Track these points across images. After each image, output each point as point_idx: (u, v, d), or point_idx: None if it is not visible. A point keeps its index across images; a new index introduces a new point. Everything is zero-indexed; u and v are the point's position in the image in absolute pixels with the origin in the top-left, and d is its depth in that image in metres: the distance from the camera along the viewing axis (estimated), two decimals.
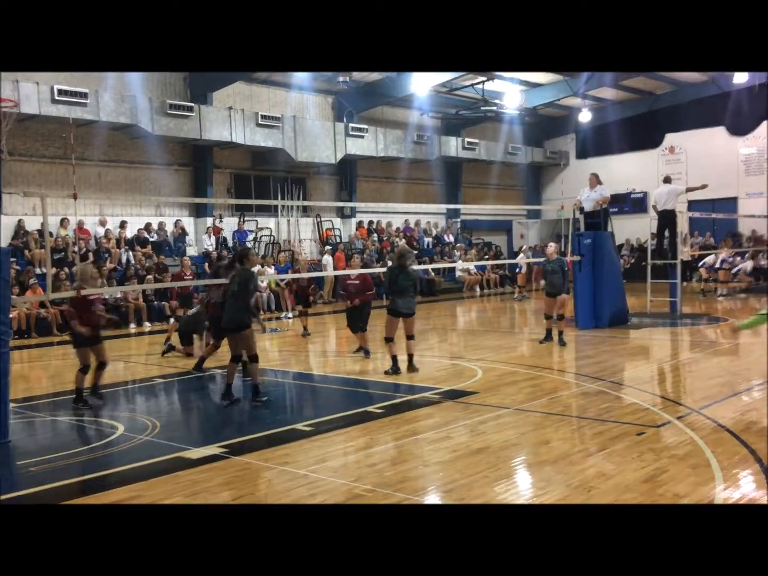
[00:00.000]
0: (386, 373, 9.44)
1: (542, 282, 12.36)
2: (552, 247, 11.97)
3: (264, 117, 20.31)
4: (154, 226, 19.33)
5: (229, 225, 20.94)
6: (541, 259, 20.70)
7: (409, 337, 9.51)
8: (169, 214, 20.15)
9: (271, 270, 18.44)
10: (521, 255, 22.27)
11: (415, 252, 23.65)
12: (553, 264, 11.66)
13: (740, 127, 25.78)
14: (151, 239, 18.94)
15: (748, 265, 22.48)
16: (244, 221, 21.20)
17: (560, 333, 11.68)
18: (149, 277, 16.28)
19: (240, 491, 5.19)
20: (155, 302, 16.69)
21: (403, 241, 23.94)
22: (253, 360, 8.01)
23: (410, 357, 9.54)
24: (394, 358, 9.45)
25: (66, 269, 15.59)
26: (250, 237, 21.18)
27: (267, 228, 21.72)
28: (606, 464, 5.48)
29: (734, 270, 21.21)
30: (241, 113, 20.00)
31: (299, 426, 6.94)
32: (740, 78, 23.53)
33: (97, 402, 8.20)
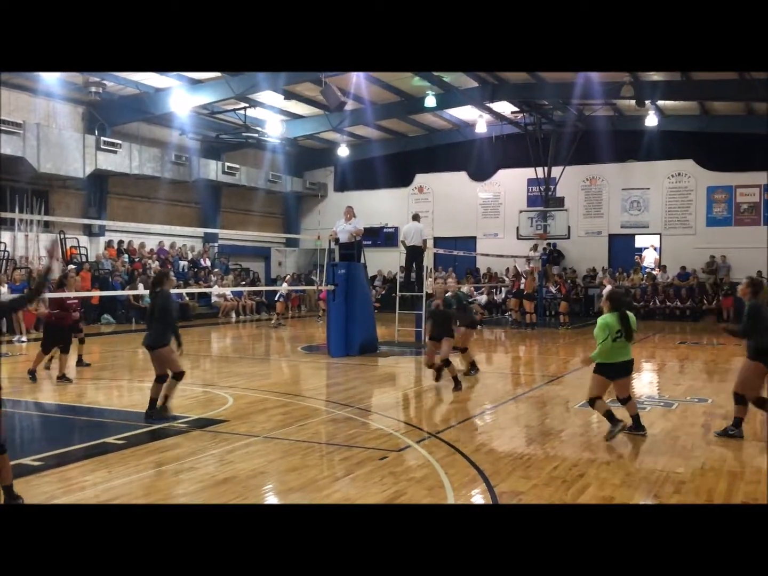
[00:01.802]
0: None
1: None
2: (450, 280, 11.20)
3: (3, 122, 18.52)
4: None
5: None
6: (298, 287, 20.93)
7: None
8: None
9: (4, 289, 16.74)
10: (284, 283, 22.51)
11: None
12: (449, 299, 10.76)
13: (480, 173, 28.38)
14: None
15: (483, 298, 24.62)
16: None
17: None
18: None
19: None
20: None
21: (157, 263, 23.06)
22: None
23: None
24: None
25: None
26: None
27: (1, 242, 19.76)
28: (350, 489, 5.64)
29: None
30: None
31: (27, 461, 6.33)
32: (481, 128, 25.95)
33: None
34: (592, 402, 7.26)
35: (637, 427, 7.37)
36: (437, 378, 10.62)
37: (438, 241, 25.14)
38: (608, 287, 20.21)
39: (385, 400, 9.90)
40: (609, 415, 7.10)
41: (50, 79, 19.24)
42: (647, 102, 22.68)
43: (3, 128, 18.46)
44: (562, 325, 20.51)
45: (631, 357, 7.37)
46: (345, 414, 8.56)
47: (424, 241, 16.12)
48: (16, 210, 19.97)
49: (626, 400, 7.36)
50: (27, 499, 5.32)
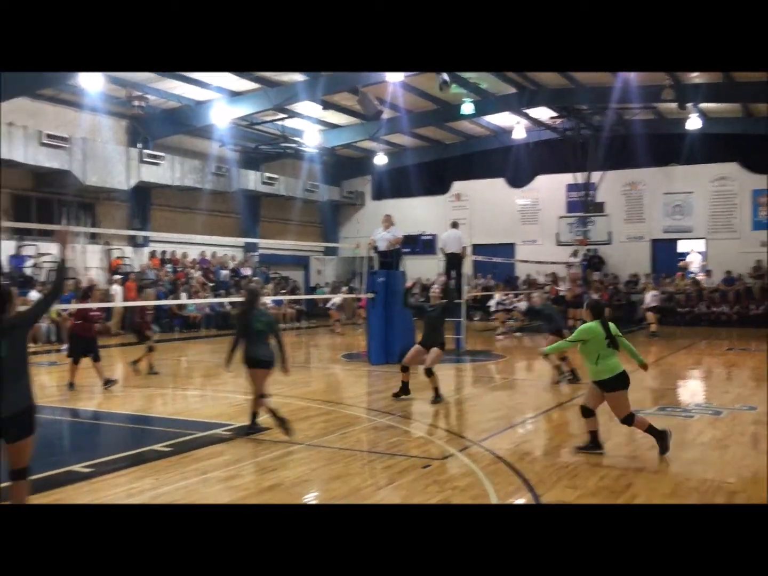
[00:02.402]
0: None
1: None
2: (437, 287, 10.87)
3: (49, 136, 19.00)
4: None
5: (5, 249, 19.23)
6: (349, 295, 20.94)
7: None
8: None
9: None
10: (341, 294, 22.58)
11: (212, 285, 23.21)
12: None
13: (518, 180, 28.23)
14: None
15: (522, 305, 24.40)
16: (22, 246, 19.58)
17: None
18: None
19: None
20: None
21: (200, 272, 23.39)
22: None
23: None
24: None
25: None
26: (29, 263, 19.60)
27: (49, 254, 20.22)
28: (394, 497, 5.64)
29: (510, 308, 22.91)
30: (23, 130, 18.57)
31: (77, 467, 6.46)
32: (519, 134, 25.83)
33: None
34: (585, 412, 6.90)
35: (661, 438, 6.86)
36: (400, 391, 10.08)
37: (476, 249, 25.05)
38: (651, 293, 19.98)
39: (425, 407, 9.87)
40: (595, 436, 6.94)
41: (95, 93, 19.65)
42: (689, 104, 22.34)
43: (50, 143, 18.94)
44: None
45: (623, 368, 6.81)
46: (386, 422, 8.57)
47: (463, 249, 16.09)
48: (63, 222, 20.43)
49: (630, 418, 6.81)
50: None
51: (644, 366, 7.21)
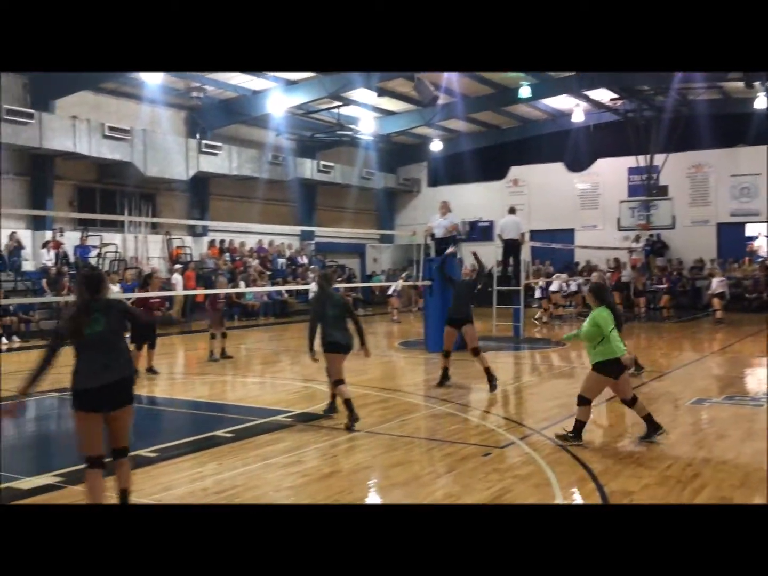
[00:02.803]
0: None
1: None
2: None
3: (112, 128, 19.43)
4: None
5: (71, 240, 19.80)
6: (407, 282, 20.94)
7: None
8: (3, 226, 18.74)
9: (116, 288, 17.58)
10: (399, 280, 22.47)
11: (269, 273, 23.47)
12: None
13: (577, 164, 27.69)
14: None
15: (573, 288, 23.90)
16: (87, 236, 20.13)
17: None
18: None
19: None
20: None
21: (257, 261, 23.66)
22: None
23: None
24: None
25: None
26: (94, 253, 20.14)
27: (112, 244, 20.75)
28: (454, 485, 5.61)
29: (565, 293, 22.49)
30: (87, 123, 19.03)
31: (143, 452, 6.61)
32: (578, 117, 25.32)
33: None
34: (583, 400, 6.74)
35: (653, 430, 6.72)
36: (441, 378, 9.96)
37: (534, 234, 24.72)
38: (717, 279, 19.40)
39: (484, 395, 9.78)
40: (581, 427, 6.74)
41: (154, 85, 20.01)
42: (756, 83, 21.52)
43: (112, 135, 19.37)
44: (666, 319, 19.78)
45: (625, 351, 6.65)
46: (445, 409, 8.52)
47: (522, 235, 15.87)
48: (126, 213, 20.94)
49: (633, 401, 6.79)
50: (144, 490, 5.55)
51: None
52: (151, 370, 11.41)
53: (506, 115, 27.24)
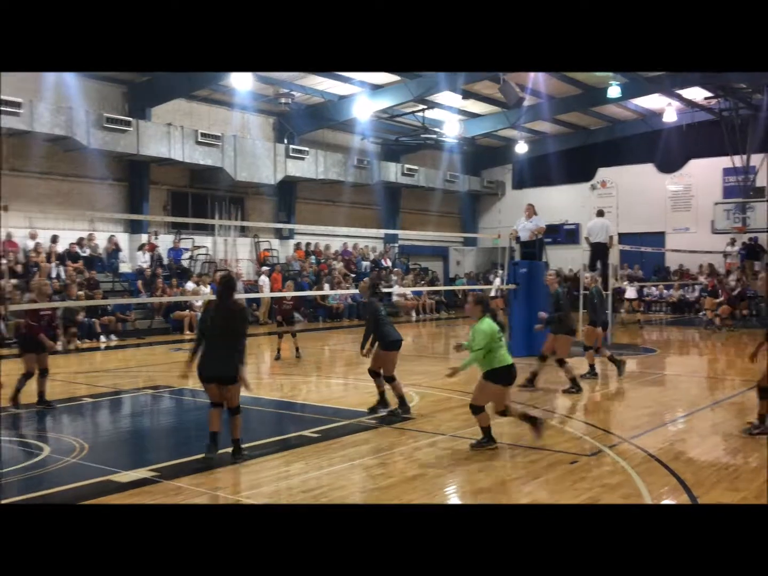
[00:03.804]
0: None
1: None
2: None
3: (204, 135, 20.09)
4: (86, 241, 18.84)
5: (165, 242, 20.57)
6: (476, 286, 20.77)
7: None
8: (102, 230, 19.65)
9: (207, 289, 18.15)
10: (497, 279, 22.03)
11: (353, 275, 23.73)
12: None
13: (668, 165, 26.83)
14: (83, 254, 18.43)
15: (674, 296, 23.21)
16: (180, 239, 20.86)
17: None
18: (80, 293, 15.79)
19: None
20: (85, 319, 16.18)
21: (341, 264, 23.96)
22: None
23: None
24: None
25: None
26: (186, 255, 20.85)
27: (203, 246, 21.42)
28: (541, 492, 5.54)
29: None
30: (181, 130, 19.74)
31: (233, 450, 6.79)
32: (670, 117, 24.53)
33: (47, 409, 8.71)
34: (475, 410, 6.78)
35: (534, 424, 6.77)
36: (531, 379, 10.03)
37: (623, 238, 24.05)
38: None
39: (571, 402, 9.62)
40: (488, 431, 6.77)
41: (244, 92, 20.56)
42: None
43: (204, 141, 20.02)
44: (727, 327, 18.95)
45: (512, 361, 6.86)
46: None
47: (610, 238, 15.50)
48: (216, 216, 21.59)
49: (503, 413, 6.89)
50: (231, 488, 5.71)
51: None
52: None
53: (594, 116, 26.66)
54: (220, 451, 6.48)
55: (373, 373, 8.46)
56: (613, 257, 16.94)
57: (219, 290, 6.46)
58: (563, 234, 28.21)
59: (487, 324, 6.69)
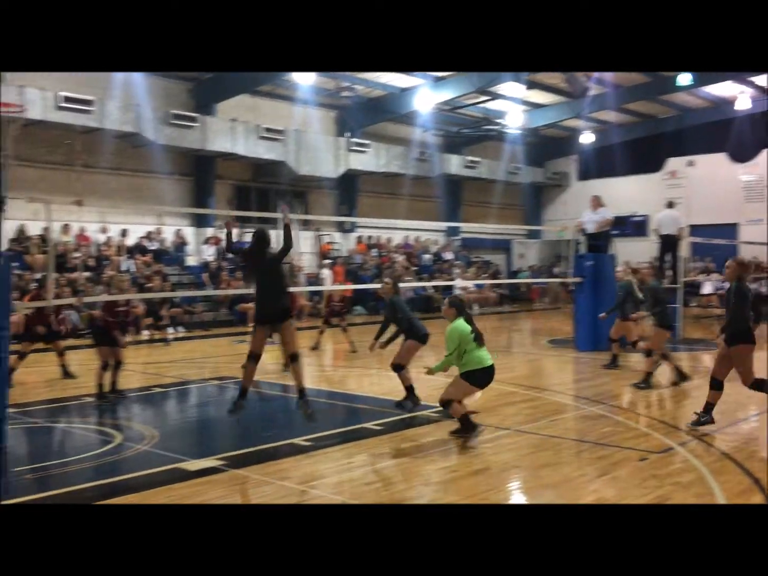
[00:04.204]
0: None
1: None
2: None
3: (267, 129, 20.34)
4: (155, 235, 19.33)
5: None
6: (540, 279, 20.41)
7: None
8: (170, 224, 20.12)
9: None
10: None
11: (415, 269, 23.68)
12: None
13: (742, 154, 25.91)
14: (151, 248, 18.90)
15: (708, 287, 22.36)
16: (244, 233, 21.16)
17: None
18: (150, 285, 16.19)
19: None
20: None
21: (403, 257, 23.95)
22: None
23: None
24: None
25: (68, 275, 15.59)
26: None
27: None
28: (608, 490, 5.42)
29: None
30: (244, 125, 20.02)
31: (297, 441, 6.87)
32: (743, 105, 23.68)
33: (118, 400, 8.92)
34: (445, 403, 6.75)
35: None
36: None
37: (694, 229, 23.34)
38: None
39: (639, 397, 9.39)
40: (466, 420, 6.72)
41: (306, 86, 20.71)
42: None
43: (267, 135, 20.26)
44: None
45: (491, 363, 6.73)
46: (597, 411, 8.25)
47: (680, 230, 15.06)
48: (279, 210, 21.81)
49: (448, 403, 6.79)
50: (297, 478, 5.75)
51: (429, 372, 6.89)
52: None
53: (663, 104, 25.95)
54: (283, 442, 6.58)
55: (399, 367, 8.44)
56: (684, 250, 16.48)
57: (255, 245, 6.97)
58: (631, 226, 27.56)
59: (457, 327, 6.69)
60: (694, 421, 7.20)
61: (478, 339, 6.70)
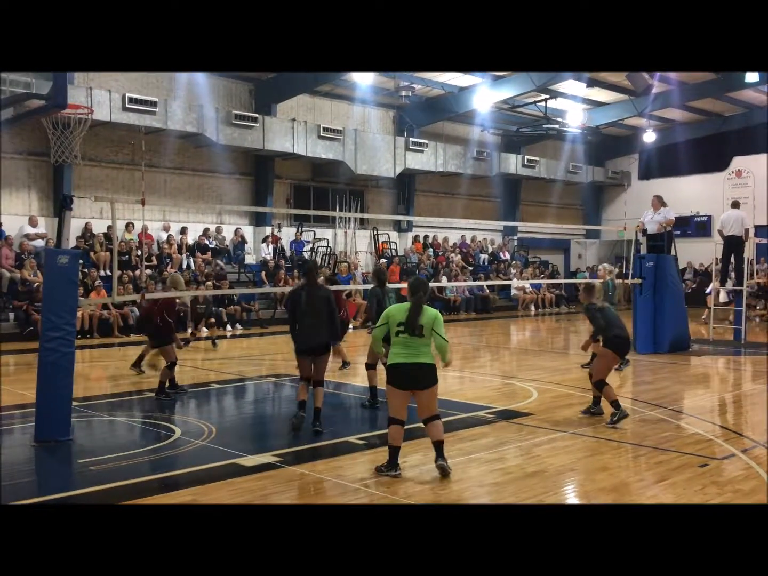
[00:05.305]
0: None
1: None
2: None
3: (326, 129, 20.51)
4: (214, 233, 19.70)
5: (287, 235, 21.19)
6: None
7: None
8: (229, 222, 20.49)
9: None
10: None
11: (470, 268, 23.56)
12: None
13: None
14: (210, 246, 19.28)
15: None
16: (302, 231, 21.42)
17: None
18: (208, 283, 16.50)
19: (293, 501, 5.18)
20: (213, 308, 16.90)
21: (459, 256, 23.85)
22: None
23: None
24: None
25: (130, 272, 16.03)
26: (307, 247, 21.39)
27: (324, 239, 21.90)
28: (667, 495, 5.31)
29: None
30: (304, 125, 20.23)
31: (352, 439, 6.93)
32: None
33: (177, 395, 9.07)
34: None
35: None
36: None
37: (760, 230, 22.63)
38: None
39: (700, 402, 9.17)
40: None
41: (365, 86, 20.81)
42: None
43: (326, 135, 20.44)
44: None
45: (426, 361, 5.70)
46: (656, 415, 8.09)
47: (746, 231, 14.63)
48: (336, 209, 22.01)
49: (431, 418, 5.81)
50: (351, 475, 5.80)
51: (447, 364, 5.96)
52: (346, 365, 11.35)
53: (729, 102, 25.18)
54: (338, 440, 6.65)
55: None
56: (749, 251, 16.01)
57: (307, 275, 7.46)
58: (693, 226, 26.88)
59: (396, 306, 5.96)
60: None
61: (406, 329, 5.69)
